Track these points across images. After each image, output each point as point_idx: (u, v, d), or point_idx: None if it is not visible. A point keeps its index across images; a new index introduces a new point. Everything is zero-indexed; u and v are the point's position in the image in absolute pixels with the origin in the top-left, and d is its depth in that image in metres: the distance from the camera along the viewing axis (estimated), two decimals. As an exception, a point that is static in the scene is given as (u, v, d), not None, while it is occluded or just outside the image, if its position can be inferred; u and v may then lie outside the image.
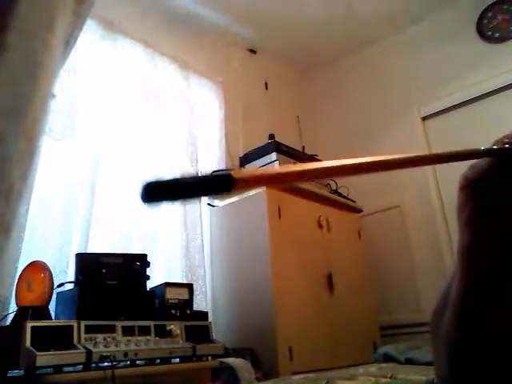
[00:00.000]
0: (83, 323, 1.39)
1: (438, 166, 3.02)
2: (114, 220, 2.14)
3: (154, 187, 0.37)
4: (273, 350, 2.02)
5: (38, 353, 1.20)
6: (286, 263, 2.23)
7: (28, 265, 1.59)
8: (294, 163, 2.61)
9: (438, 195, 2.98)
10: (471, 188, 0.42)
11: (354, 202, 2.93)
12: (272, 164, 2.53)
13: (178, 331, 1.61)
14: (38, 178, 1.82)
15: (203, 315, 1.93)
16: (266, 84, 3.44)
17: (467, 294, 0.42)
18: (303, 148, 3.15)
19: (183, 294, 1.83)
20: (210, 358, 1.68)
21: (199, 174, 0.36)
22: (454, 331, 0.43)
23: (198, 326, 1.73)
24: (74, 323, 1.38)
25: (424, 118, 3.14)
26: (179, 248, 2.34)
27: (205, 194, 0.37)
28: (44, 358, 1.21)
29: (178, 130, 2.56)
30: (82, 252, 1.86)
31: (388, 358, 1.94)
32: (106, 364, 1.34)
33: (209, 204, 2.61)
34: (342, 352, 2.31)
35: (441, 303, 0.48)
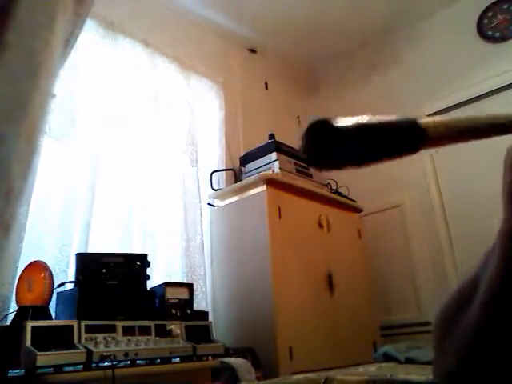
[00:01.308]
0: (83, 323, 1.39)
1: (438, 167, 3.02)
2: (113, 220, 2.14)
3: (344, 141, 0.25)
4: (273, 350, 2.02)
5: (38, 352, 1.20)
6: (286, 263, 2.23)
7: (28, 265, 1.60)
8: (295, 163, 2.62)
9: (439, 195, 2.98)
10: None
11: (355, 201, 2.93)
12: (272, 164, 2.53)
13: (179, 331, 1.61)
14: (38, 178, 1.82)
15: (203, 315, 1.93)
16: (266, 84, 3.44)
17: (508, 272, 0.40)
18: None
19: (183, 294, 1.83)
20: (210, 357, 1.68)
21: (376, 122, 0.26)
22: (485, 318, 0.42)
23: (198, 326, 1.73)
24: (75, 323, 1.38)
25: (424, 118, 3.14)
26: (179, 248, 2.34)
27: (389, 156, 0.27)
28: (44, 358, 1.21)
29: (177, 129, 2.56)
30: (83, 252, 1.86)
31: (388, 358, 1.94)
32: (106, 364, 1.34)
33: (209, 204, 2.61)
34: (342, 351, 2.31)
35: (461, 298, 0.47)
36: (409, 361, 1.88)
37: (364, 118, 0.24)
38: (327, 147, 0.24)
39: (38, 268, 1.59)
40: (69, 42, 1.49)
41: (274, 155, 2.55)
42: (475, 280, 0.46)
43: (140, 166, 2.33)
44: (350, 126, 0.25)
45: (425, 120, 0.26)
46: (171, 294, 1.78)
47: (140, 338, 1.49)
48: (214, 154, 2.79)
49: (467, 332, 0.44)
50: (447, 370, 0.47)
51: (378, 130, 0.25)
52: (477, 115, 0.31)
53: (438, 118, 0.28)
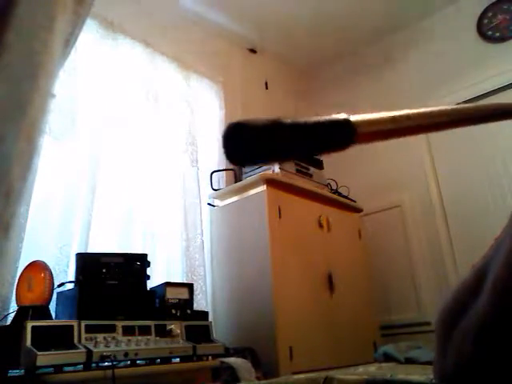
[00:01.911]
0: (83, 323, 1.39)
1: (439, 167, 3.02)
2: (113, 220, 2.14)
3: (245, 133, 0.26)
4: (273, 350, 2.02)
5: (38, 352, 1.20)
6: (286, 263, 2.23)
7: (28, 264, 1.60)
8: (295, 164, 2.62)
9: (439, 195, 2.98)
10: None
11: (355, 201, 2.93)
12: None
13: (179, 331, 1.61)
14: (38, 177, 1.82)
15: (203, 315, 1.93)
16: (266, 84, 3.44)
17: None
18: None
19: (183, 294, 1.83)
20: (210, 357, 1.68)
21: (306, 121, 0.27)
22: (496, 302, 0.41)
23: (198, 326, 1.73)
24: (75, 323, 1.38)
25: (424, 118, 3.14)
26: (179, 248, 2.34)
27: (314, 150, 0.29)
28: (44, 358, 1.21)
29: (178, 129, 2.56)
30: (83, 252, 1.86)
31: (388, 358, 1.94)
32: (106, 364, 1.35)
33: (209, 204, 2.61)
34: (343, 351, 2.31)
35: (466, 292, 0.47)
36: (409, 361, 1.88)
37: (288, 118, 0.25)
38: (241, 144, 0.25)
39: (38, 268, 1.59)
40: (69, 42, 1.49)
41: (274, 155, 2.55)
42: (481, 272, 0.45)
43: (140, 166, 2.33)
44: (265, 124, 0.26)
45: (356, 118, 0.27)
46: (171, 294, 1.78)
47: (140, 337, 1.49)
48: (214, 154, 2.79)
49: (473, 326, 0.43)
50: (449, 369, 0.46)
51: (302, 128, 0.26)
52: (404, 113, 0.33)
53: (367, 116, 0.29)
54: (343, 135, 0.26)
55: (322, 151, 0.30)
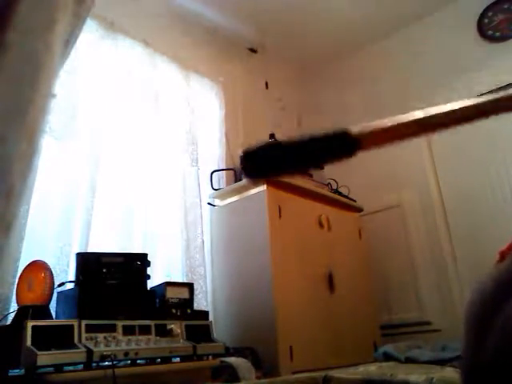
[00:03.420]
0: (84, 322, 1.39)
1: (439, 166, 3.02)
2: (114, 220, 2.15)
3: (258, 159, 0.30)
4: (273, 349, 2.02)
5: (38, 352, 1.21)
6: (286, 262, 2.23)
7: (28, 264, 1.60)
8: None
9: (439, 194, 2.98)
10: None
11: (355, 201, 2.93)
12: (272, 163, 2.53)
13: (179, 330, 1.62)
14: (39, 177, 1.82)
15: (204, 314, 1.94)
16: (267, 83, 3.43)
17: None
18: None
19: (184, 294, 1.83)
20: (210, 357, 1.68)
21: (310, 137, 0.29)
22: None
23: (198, 326, 1.73)
24: (75, 322, 1.38)
25: (424, 118, 3.14)
26: (179, 247, 2.35)
27: (320, 162, 0.32)
28: (45, 358, 1.21)
29: (178, 129, 2.56)
30: (83, 251, 1.86)
31: (388, 357, 1.94)
32: (106, 363, 1.35)
33: (209, 203, 2.62)
34: (343, 351, 2.32)
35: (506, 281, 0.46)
36: (409, 360, 1.88)
37: (297, 137, 0.28)
38: (255, 166, 0.30)
39: (38, 267, 1.59)
40: (69, 42, 1.49)
41: (274, 155, 2.55)
42: None
43: (140, 165, 2.33)
44: (271, 147, 0.30)
45: (356, 129, 0.30)
46: (171, 294, 1.78)
47: (140, 337, 1.49)
48: (214, 154, 2.79)
49: None
50: (488, 355, 0.45)
51: (309, 143, 0.29)
52: (405, 120, 0.34)
53: (366, 128, 0.31)
54: (345, 147, 0.28)
55: (328, 162, 0.33)
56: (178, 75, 2.69)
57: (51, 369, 1.25)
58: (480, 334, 0.48)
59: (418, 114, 0.34)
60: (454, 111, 0.35)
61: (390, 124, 0.34)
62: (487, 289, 0.49)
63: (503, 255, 0.64)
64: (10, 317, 1.55)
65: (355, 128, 0.29)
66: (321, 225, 2.53)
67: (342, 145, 0.29)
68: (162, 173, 2.44)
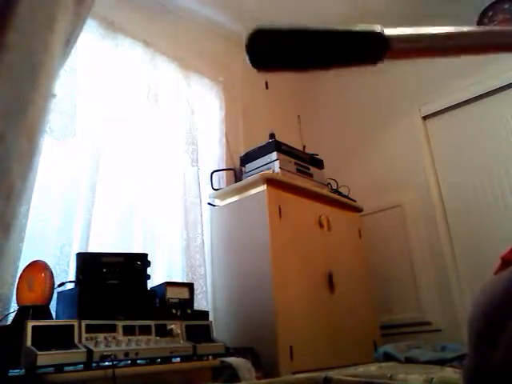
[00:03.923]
0: (84, 323, 1.39)
1: (439, 166, 3.02)
2: (114, 219, 2.15)
3: (271, 41, 0.24)
4: (273, 350, 2.02)
5: (38, 352, 1.20)
6: (286, 262, 2.23)
7: (29, 264, 1.60)
8: (295, 163, 2.62)
9: (439, 194, 2.98)
10: None
11: (355, 201, 2.93)
12: (272, 163, 2.53)
13: (179, 331, 1.61)
14: (39, 177, 1.82)
15: (204, 314, 1.94)
16: (267, 83, 3.43)
17: None
18: (304, 147, 3.15)
19: (184, 294, 1.83)
20: (210, 357, 1.68)
21: (336, 28, 0.24)
22: None
23: (198, 326, 1.73)
24: (75, 322, 1.38)
25: (425, 118, 3.14)
26: (179, 247, 2.35)
27: (342, 61, 0.27)
28: (45, 358, 1.21)
29: (178, 129, 2.56)
30: (83, 251, 1.87)
31: (388, 357, 1.94)
32: (106, 363, 1.35)
33: (209, 203, 2.62)
34: (343, 351, 2.32)
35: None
36: (409, 360, 1.88)
37: (318, 26, 0.24)
38: (265, 48, 0.25)
39: (38, 267, 1.59)
40: (69, 41, 1.48)
41: (274, 155, 2.55)
42: None
43: (140, 165, 2.33)
44: (294, 28, 0.24)
45: (388, 31, 0.26)
46: (172, 294, 1.78)
47: (140, 337, 1.49)
48: (214, 154, 2.79)
49: None
50: (499, 360, 0.45)
51: (334, 36, 0.25)
52: (444, 31, 0.30)
53: (401, 31, 0.27)
54: (375, 47, 0.24)
55: (350, 62, 0.29)
56: (178, 75, 2.69)
57: (51, 369, 1.25)
58: (491, 335, 0.47)
59: (469, 28, 0.30)
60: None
61: (428, 32, 0.29)
62: (496, 298, 0.48)
63: (504, 260, 0.63)
64: (10, 317, 1.55)
65: (387, 30, 0.26)
66: (321, 225, 2.53)
67: (372, 45, 0.25)
68: (162, 173, 2.44)
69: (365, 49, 0.24)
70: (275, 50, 0.24)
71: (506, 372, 0.44)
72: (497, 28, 0.30)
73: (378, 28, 0.25)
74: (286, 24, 0.25)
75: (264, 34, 0.23)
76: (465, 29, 0.30)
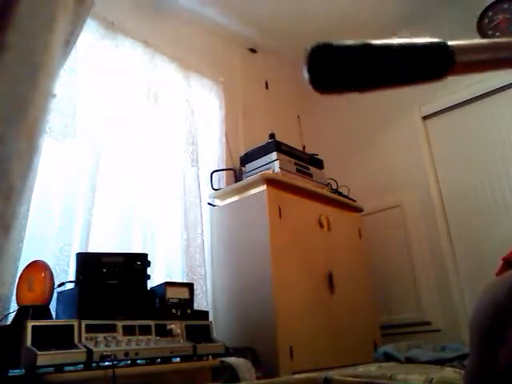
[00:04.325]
0: (84, 322, 1.39)
1: (439, 166, 3.02)
2: (114, 220, 2.15)
3: (332, 56, 0.22)
4: (273, 350, 2.02)
5: (38, 352, 1.20)
6: (286, 262, 2.23)
7: (29, 264, 1.60)
8: (295, 163, 2.62)
9: (439, 194, 2.98)
10: None
11: (355, 201, 2.93)
12: (272, 164, 2.53)
13: (179, 330, 1.62)
14: (39, 177, 1.82)
15: (204, 314, 1.94)
16: (267, 83, 3.44)
17: None
18: (304, 147, 3.15)
19: (184, 294, 1.83)
20: (210, 357, 1.68)
21: (399, 43, 0.23)
22: None
23: (198, 326, 1.73)
24: (75, 322, 1.38)
25: (425, 118, 3.14)
26: (179, 247, 2.35)
27: (406, 78, 0.25)
28: (45, 358, 1.21)
29: (178, 129, 2.56)
30: (83, 251, 1.86)
31: (388, 357, 1.94)
32: (106, 363, 1.35)
33: (209, 203, 2.62)
34: (343, 351, 2.31)
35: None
36: (409, 360, 1.88)
37: (378, 40, 0.23)
38: (330, 68, 0.24)
39: (38, 267, 1.59)
40: (69, 41, 1.49)
41: (274, 155, 2.55)
42: None
43: (140, 165, 2.33)
44: (355, 45, 0.23)
45: (454, 43, 0.24)
46: (171, 294, 1.78)
47: (140, 337, 1.49)
48: (214, 154, 2.79)
49: None
50: (501, 369, 0.45)
51: (396, 51, 0.23)
52: (509, 41, 0.28)
53: (467, 42, 0.26)
54: (439, 63, 0.23)
55: (414, 80, 0.27)
56: (178, 75, 2.69)
57: (51, 369, 1.25)
58: (491, 344, 0.47)
59: None
60: None
61: (492, 42, 0.28)
62: (498, 299, 0.48)
63: (506, 261, 0.63)
64: (10, 317, 1.55)
65: (452, 42, 0.24)
66: (321, 225, 2.53)
67: (438, 59, 0.23)
68: (162, 173, 2.44)
69: (430, 63, 0.23)
70: (340, 68, 0.22)
71: (509, 374, 0.44)
72: None
73: (441, 40, 0.23)
74: (347, 40, 0.23)
75: (326, 50, 0.22)
76: None
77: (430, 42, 0.25)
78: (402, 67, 0.23)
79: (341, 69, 0.21)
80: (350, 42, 0.23)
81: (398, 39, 0.24)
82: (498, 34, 2.92)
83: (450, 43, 0.24)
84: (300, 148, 2.99)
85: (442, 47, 0.23)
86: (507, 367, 0.45)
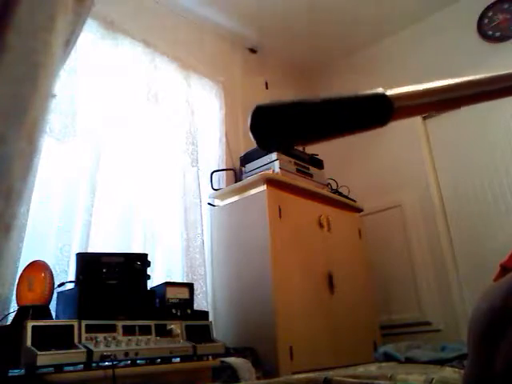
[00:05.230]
0: (84, 323, 1.39)
1: (439, 166, 3.02)
2: (114, 220, 2.15)
3: (274, 118, 0.24)
4: (273, 350, 2.02)
5: (38, 352, 1.21)
6: (286, 263, 2.23)
7: (29, 264, 1.60)
8: (295, 163, 2.62)
9: (439, 194, 2.98)
10: None
11: (355, 201, 2.93)
12: (272, 164, 2.53)
13: (179, 331, 1.62)
14: (39, 177, 1.82)
15: (204, 315, 1.94)
16: (267, 83, 3.44)
17: None
18: (304, 147, 3.15)
19: (184, 294, 1.83)
20: (210, 357, 1.68)
21: (338, 97, 0.24)
22: None
23: (198, 326, 1.73)
24: (75, 323, 1.38)
25: (425, 118, 3.14)
26: (179, 247, 2.35)
27: (347, 129, 0.26)
28: (45, 358, 1.21)
29: (178, 129, 2.56)
30: (83, 252, 1.87)
31: (388, 357, 1.94)
32: (106, 363, 1.35)
33: (209, 203, 2.62)
34: (343, 351, 2.32)
35: None
36: (409, 360, 1.88)
37: (318, 96, 0.24)
38: (271, 127, 0.24)
39: (38, 268, 1.59)
40: (69, 41, 1.49)
41: (274, 155, 2.55)
42: None
43: (140, 166, 2.33)
44: (295, 103, 0.24)
45: (392, 92, 0.25)
46: (171, 294, 1.78)
47: (140, 337, 1.49)
48: (214, 154, 2.79)
49: None
50: (498, 373, 0.45)
51: (340, 104, 0.25)
52: (444, 84, 0.31)
53: (404, 90, 0.27)
54: (380, 111, 0.24)
55: (356, 129, 0.28)
56: (178, 75, 2.69)
57: (51, 369, 1.25)
58: (487, 349, 0.47)
59: (467, 79, 0.29)
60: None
61: (429, 87, 0.29)
62: (496, 304, 0.48)
63: (504, 267, 0.63)
64: (10, 317, 1.55)
65: (390, 90, 0.26)
66: (321, 225, 2.53)
67: (377, 109, 0.24)
68: (162, 173, 2.44)
69: (371, 113, 0.24)
70: (280, 127, 0.23)
71: (506, 380, 0.44)
72: (502, 74, 0.31)
73: (380, 90, 0.24)
74: (286, 100, 0.24)
75: (265, 111, 0.23)
76: (465, 79, 0.31)
77: (370, 94, 0.26)
78: (345, 118, 0.24)
79: (283, 127, 0.22)
80: (289, 100, 0.24)
81: (341, 94, 0.25)
82: (497, 33, 2.92)
83: (388, 92, 0.25)
84: (300, 148, 2.98)
85: (380, 97, 0.24)
86: (503, 371, 0.45)
